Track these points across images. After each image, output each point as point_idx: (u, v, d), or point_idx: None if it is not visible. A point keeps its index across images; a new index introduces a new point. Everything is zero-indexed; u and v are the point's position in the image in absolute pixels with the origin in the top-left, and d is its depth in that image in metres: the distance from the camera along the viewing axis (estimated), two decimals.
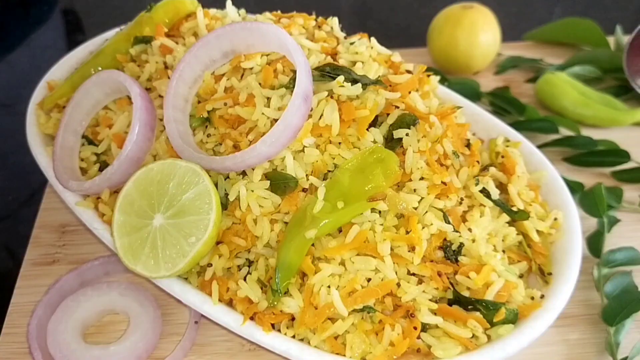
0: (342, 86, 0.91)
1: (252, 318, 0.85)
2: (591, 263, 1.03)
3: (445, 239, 0.87)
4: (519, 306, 0.86)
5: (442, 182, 0.88)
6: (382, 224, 0.86)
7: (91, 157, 1.03)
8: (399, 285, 0.84)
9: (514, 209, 0.95)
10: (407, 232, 0.85)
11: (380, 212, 0.86)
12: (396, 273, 0.85)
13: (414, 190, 0.88)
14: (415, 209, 0.87)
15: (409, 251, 0.85)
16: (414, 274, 0.86)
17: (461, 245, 0.87)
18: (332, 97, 0.90)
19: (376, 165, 0.86)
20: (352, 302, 0.83)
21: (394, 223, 0.86)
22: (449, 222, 0.87)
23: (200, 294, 0.88)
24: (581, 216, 1.00)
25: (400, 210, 0.86)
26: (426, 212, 0.87)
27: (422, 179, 0.88)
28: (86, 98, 1.03)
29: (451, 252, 0.87)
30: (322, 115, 0.89)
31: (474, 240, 0.87)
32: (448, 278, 0.86)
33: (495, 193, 0.93)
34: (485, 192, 0.92)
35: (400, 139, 0.90)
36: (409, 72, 1.02)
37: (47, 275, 1.06)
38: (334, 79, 0.92)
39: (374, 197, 0.85)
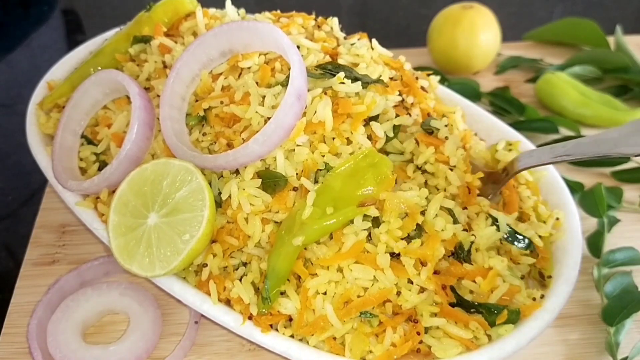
0: (342, 82, 0.90)
1: (250, 318, 0.85)
2: (591, 263, 1.03)
3: (457, 243, 0.86)
4: (520, 306, 0.86)
5: (467, 184, 0.90)
6: (386, 232, 0.83)
7: (90, 156, 1.03)
8: (399, 293, 0.84)
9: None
10: (416, 231, 0.85)
11: (376, 217, 0.84)
12: (396, 284, 0.84)
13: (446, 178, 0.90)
14: (423, 212, 0.86)
15: (413, 265, 0.83)
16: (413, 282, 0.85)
17: (472, 244, 0.87)
18: (325, 94, 0.90)
19: (368, 170, 0.85)
20: (347, 313, 0.82)
21: (398, 225, 0.84)
22: (457, 222, 0.86)
23: (199, 294, 0.88)
24: (581, 216, 1.00)
25: (403, 210, 0.84)
26: (436, 215, 0.86)
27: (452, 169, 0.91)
28: (85, 98, 1.03)
29: (465, 253, 0.86)
30: (315, 111, 0.88)
31: (477, 249, 0.87)
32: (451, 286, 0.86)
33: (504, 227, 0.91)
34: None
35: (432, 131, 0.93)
36: (423, 89, 1.02)
37: (47, 275, 1.06)
38: (334, 76, 0.92)
39: (364, 202, 0.84)
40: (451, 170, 0.91)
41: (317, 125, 0.88)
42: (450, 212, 0.88)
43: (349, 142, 0.89)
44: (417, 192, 0.87)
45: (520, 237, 0.91)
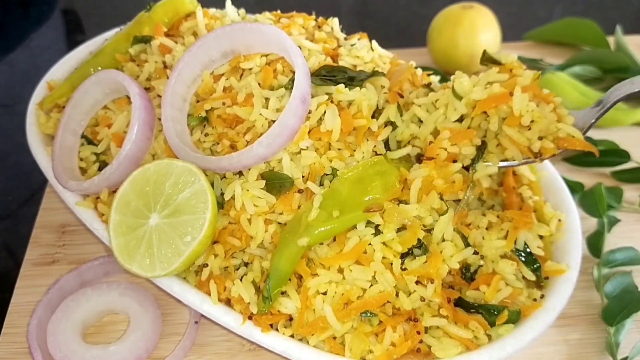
0: (341, 92, 0.91)
1: (250, 318, 0.85)
2: (591, 263, 1.03)
3: (464, 264, 0.87)
4: (520, 307, 0.86)
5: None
6: (382, 242, 0.84)
7: (90, 156, 1.03)
8: (397, 294, 0.84)
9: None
10: (420, 248, 0.85)
11: (377, 225, 0.85)
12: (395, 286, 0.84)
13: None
14: (429, 231, 0.85)
15: (417, 282, 0.84)
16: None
17: (479, 266, 0.87)
18: (332, 102, 0.90)
19: (376, 177, 0.85)
20: (347, 315, 0.82)
21: (393, 237, 0.83)
22: (468, 244, 0.86)
23: (199, 294, 0.88)
24: (581, 216, 1.00)
25: (404, 223, 0.84)
26: (443, 236, 0.85)
27: (532, 121, 0.83)
28: (85, 98, 1.03)
29: (469, 275, 0.87)
30: (322, 119, 0.89)
31: (492, 260, 0.87)
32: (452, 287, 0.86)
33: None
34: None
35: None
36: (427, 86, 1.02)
37: (47, 275, 1.06)
38: (332, 80, 0.92)
39: (370, 208, 0.84)
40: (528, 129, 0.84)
41: (324, 133, 0.88)
42: (461, 235, 0.87)
43: (357, 152, 0.90)
44: (418, 205, 0.85)
45: (532, 260, 0.89)
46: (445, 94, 0.90)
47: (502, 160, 0.87)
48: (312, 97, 0.92)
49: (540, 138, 0.84)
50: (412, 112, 0.92)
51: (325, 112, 0.89)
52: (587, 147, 0.84)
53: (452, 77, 0.91)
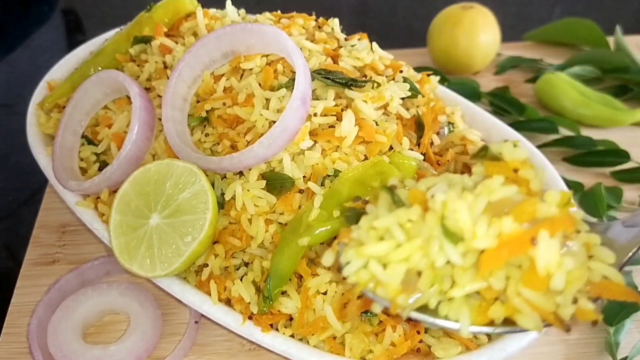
0: (365, 102, 0.90)
1: (250, 318, 0.85)
2: None
3: None
4: None
5: None
6: None
7: (91, 156, 1.03)
8: None
9: None
10: None
11: None
12: None
13: None
14: None
15: None
16: None
17: None
18: (347, 108, 0.90)
19: (376, 178, 0.85)
20: (347, 314, 0.81)
21: None
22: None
23: (199, 294, 0.88)
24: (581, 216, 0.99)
25: None
26: None
27: None
28: (86, 98, 1.03)
29: None
30: (335, 124, 0.89)
31: None
32: None
33: None
34: None
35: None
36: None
37: (47, 275, 1.06)
38: (330, 80, 0.92)
39: None
40: None
41: (336, 137, 0.88)
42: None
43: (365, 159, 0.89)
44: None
45: None
46: (425, 222, 0.58)
47: (503, 324, 0.61)
48: (318, 99, 0.92)
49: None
50: (369, 229, 0.62)
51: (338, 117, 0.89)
52: (632, 297, 0.61)
53: (428, 188, 0.56)
